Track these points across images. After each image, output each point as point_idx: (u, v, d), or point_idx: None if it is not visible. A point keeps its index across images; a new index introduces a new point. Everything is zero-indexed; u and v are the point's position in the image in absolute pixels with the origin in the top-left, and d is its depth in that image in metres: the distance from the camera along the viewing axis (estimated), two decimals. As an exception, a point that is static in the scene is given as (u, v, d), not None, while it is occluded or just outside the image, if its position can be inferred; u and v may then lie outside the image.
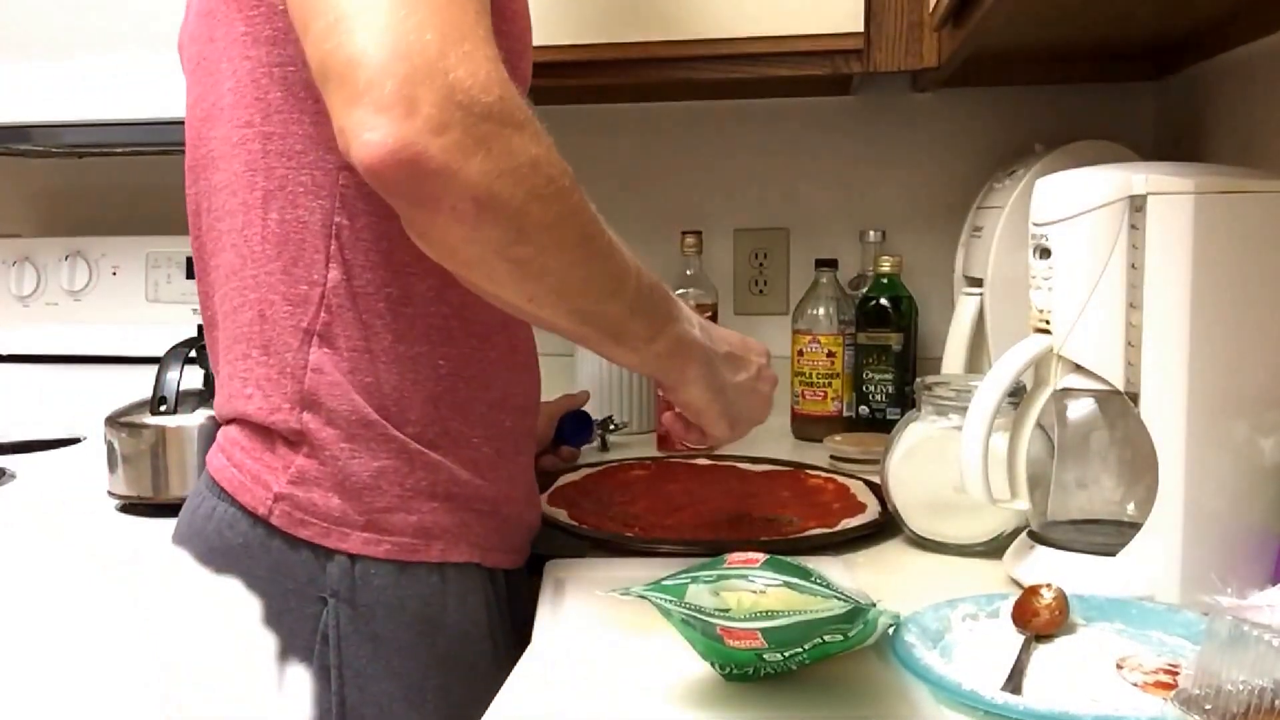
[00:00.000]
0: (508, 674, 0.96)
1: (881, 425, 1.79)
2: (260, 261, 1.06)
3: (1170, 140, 1.85)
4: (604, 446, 1.82)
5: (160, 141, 1.62)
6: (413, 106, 0.82)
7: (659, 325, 1.06)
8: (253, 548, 1.07)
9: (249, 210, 1.06)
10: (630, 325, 1.04)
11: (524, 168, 0.87)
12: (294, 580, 1.06)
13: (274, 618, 1.06)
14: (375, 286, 1.05)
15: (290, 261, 1.05)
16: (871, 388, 1.85)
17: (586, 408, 1.72)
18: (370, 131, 0.82)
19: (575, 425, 1.68)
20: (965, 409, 1.09)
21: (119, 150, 2.08)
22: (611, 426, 1.84)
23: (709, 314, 1.80)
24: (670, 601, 0.86)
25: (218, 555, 1.09)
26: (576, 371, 1.93)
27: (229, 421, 1.13)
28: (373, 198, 1.01)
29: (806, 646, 0.84)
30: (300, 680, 1.05)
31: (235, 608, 1.07)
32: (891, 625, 0.89)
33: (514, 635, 1.14)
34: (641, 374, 1.13)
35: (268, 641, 1.05)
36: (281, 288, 1.05)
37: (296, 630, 1.06)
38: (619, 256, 0.99)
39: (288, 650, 1.06)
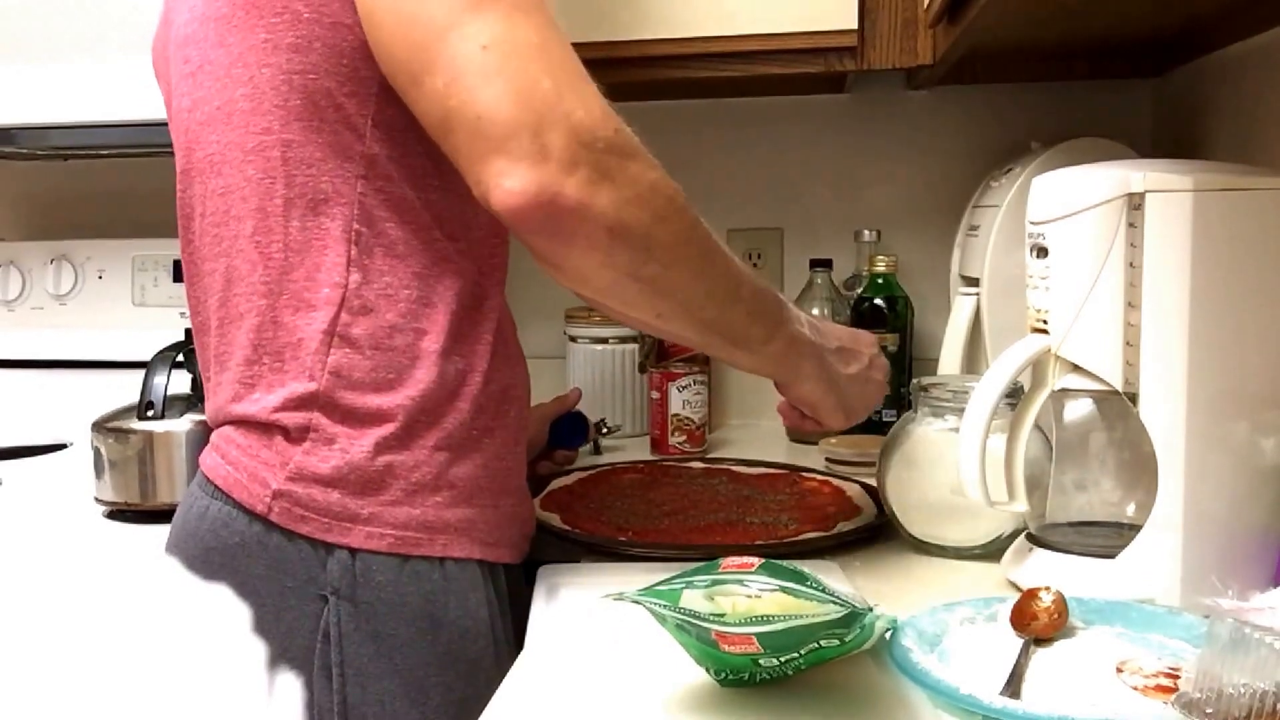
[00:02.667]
0: (509, 671, 0.97)
1: (878, 427, 1.78)
2: (278, 268, 1.07)
3: (1167, 137, 1.84)
4: (597, 450, 1.82)
5: (146, 143, 1.61)
6: (544, 152, 0.91)
7: (774, 327, 1.12)
8: (250, 546, 1.07)
9: (267, 217, 1.07)
10: (749, 329, 1.11)
11: (646, 192, 0.97)
12: (293, 578, 1.06)
13: (273, 616, 1.06)
14: (395, 289, 1.07)
15: (313, 268, 1.06)
16: (867, 389, 1.84)
17: (579, 409, 1.71)
18: (510, 180, 0.91)
19: (570, 427, 1.68)
20: (962, 410, 1.09)
21: (104, 152, 2.07)
22: (604, 429, 1.84)
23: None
24: (665, 606, 0.85)
25: (214, 555, 1.09)
26: (568, 375, 1.93)
27: (225, 424, 1.13)
28: (392, 206, 1.06)
29: (802, 651, 0.84)
30: (291, 688, 1.05)
31: (224, 615, 1.06)
32: (888, 629, 0.89)
33: (514, 634, 1.14)
34: (759, 374, 1.20)
35: (258, 649, 1.05)
36: (303, 294, 1.06)
37: (296, 629, 1.06)
38: (734, 265, 1.07)
39: (288, 649, 1.06)
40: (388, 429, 1.06)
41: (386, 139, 1.05)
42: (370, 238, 1.06)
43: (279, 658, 1.06)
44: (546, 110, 0.91)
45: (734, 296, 1.08)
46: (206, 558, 1.09)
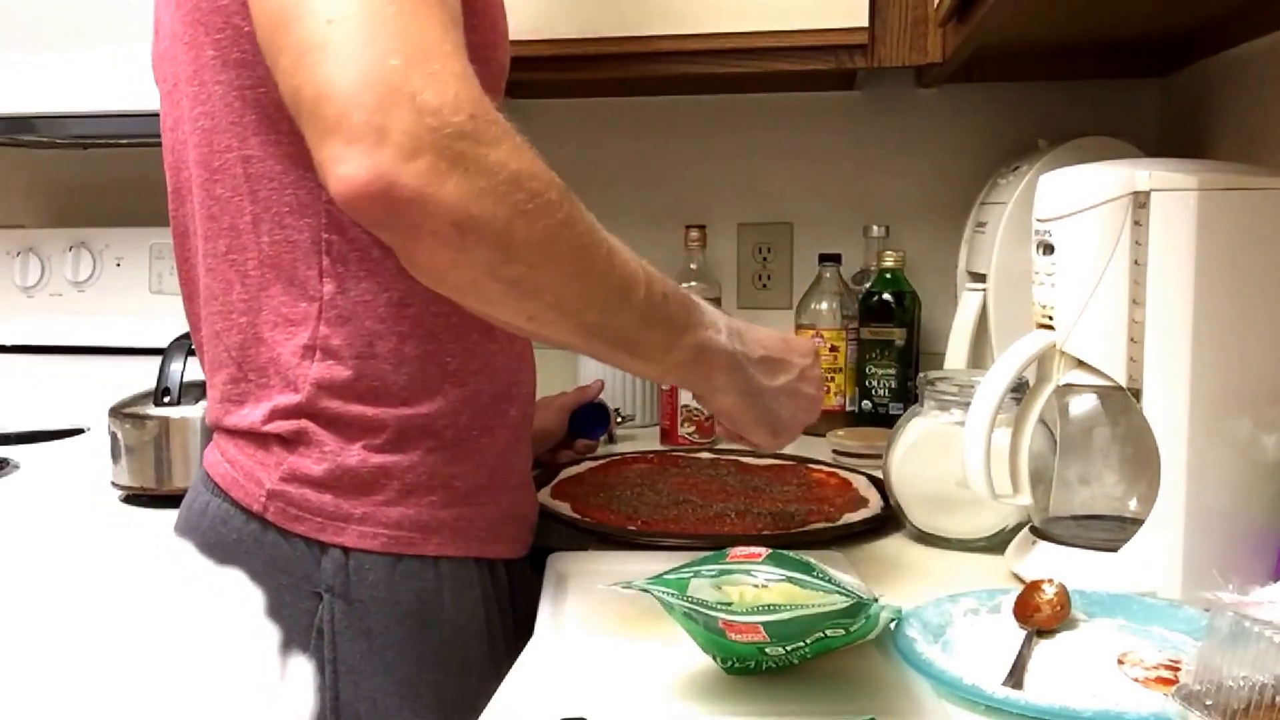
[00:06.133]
0: (504, 669, 0.96)
1: (884, 420, 1.79)
2: (253, 285, 1.06)
3: (1174, 136, 1.85)
4: (611, 439, 1.83)
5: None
6: (382, 135, 0.80)
7: (676, 334, 1.02)
8: (247, 543, 1.08)
9: (238, 234, 1.06)
10: (644, 336, 1.00)
11: (503, 185, 0.84)
12: (289, 575, 1.07)
13: (270, 612, 1.06)
14: (373, 294, 1.05)
15: (286, 282, 1.05)
16: (874, 383, 1.85)
17: (600, 399, 1.72)
18: (343, 165, 0.80)
19: (591, 417, 1.68)
20: (968, 404, 1.10)
21: (123, 141, 2.08)
22: (618, 420, 1.85)
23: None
24: (672, 595, 0.86)
25: (215, 550, 1.09)
26: (579, 366, 1.93)
27: (220, 429, 1.14)
28: None
29: (808, 641, 0.84)
30: (303, 671, 1.06)
31: (239, 598, 1.07)
32: (893, 620, 0.89)
33: (514, 629, 1.14)
34: (666, 384, 1.10)
35: (271, 632, 1.06)
36: (281, 309, 1.05)
37: (292, 624, 1.06)
38: (623, 266, 0.96)
39: (283, 644, 1.06)
40: (379, 436, 1.06)
41: None
42: (342, 245, 1.04)
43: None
44: (388, 89, 0.80)
45: (622, 301, 0.96)
46: (209, 552, 1.10)
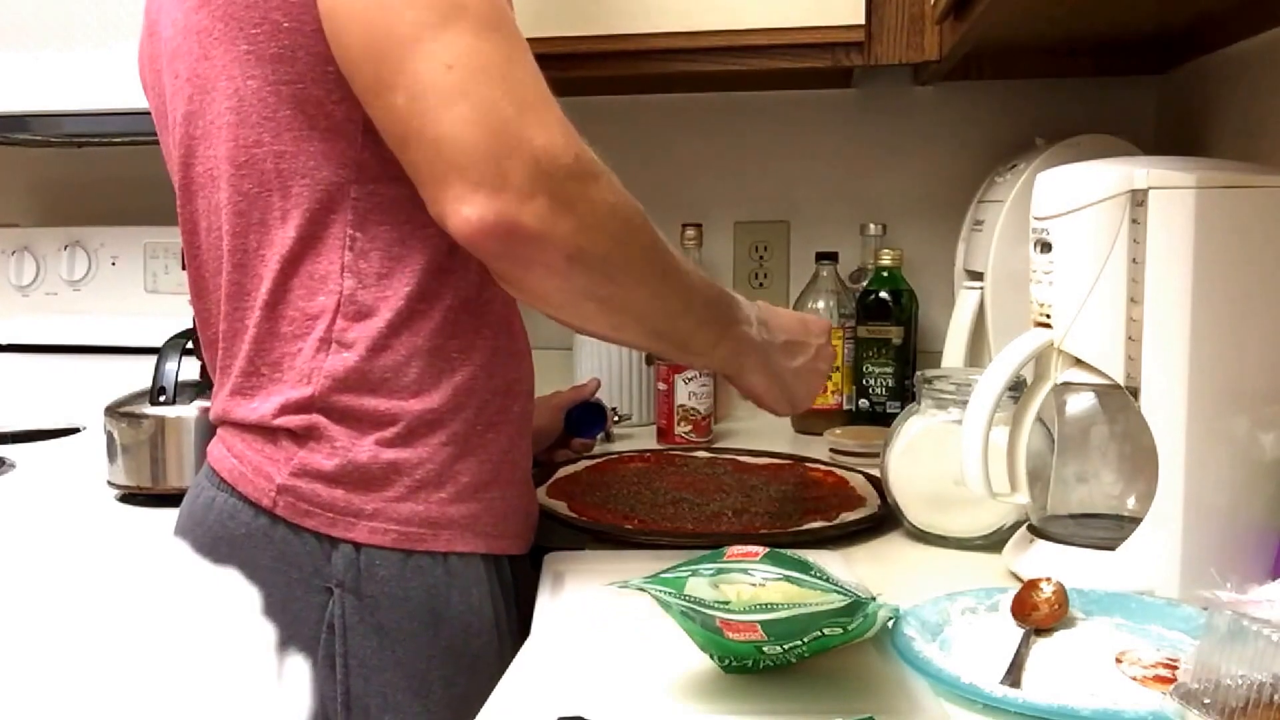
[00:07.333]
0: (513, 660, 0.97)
1: (881, 419, 1.79)
2: (277, 279, 1.06)
3: (1172, 135, 1.84)
4: (609, 438, 1.82)
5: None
6: (503, 180, 0.90)
7: (722, 330, 1.15)
8: (256, 537, 1.08)
9: (266, 229, 1.06)
10: (699, 334, 1.13)
11: (605, 217, 0.97)
12: (299, 570, 1.07)
13: (279, 606, 1.07)
14: (391, 290, 1.06)
15: (309, 276, 1.06)
16: (871, 381, 1.85)
17: (597, 398, 1.72)
18: (467, 207, 0.90)
19: (587, 416, 1.68)
20: (965, 403, 1.09)
21: (118, 140, 2.08)
22: (615, 419, 1.84)
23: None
24: (670, 594, 0.86)
25: (221, 545, 1.10)
26: (575, 365, 1.93)
27: (228, 424, 1.14)
28: (384, 209, 1.05)
29: (806, 639, 0.84)
30: (300, 670, 1.06)
31: (234, 597, 1.07)
32: (891, 619, 0.90)
33: (520, 625, 1.14)
34: (706, 369, 1.33)
35: (267, 631, 1.06)
36: (301, 303, 1.06)
37: (302, 619, 1.07)
38: (686, 276, 1.08)
39: (293, 639, 1.07)
40: (390, 430, 1.07)
41: (379, 141, 1.01)
42: (364, 242, 1.05)
43: (284, 647, 1.07)
44: (507, 136, 0.90)
45: (686, 309, 1.10)
46: (215, 546, 1.10)
